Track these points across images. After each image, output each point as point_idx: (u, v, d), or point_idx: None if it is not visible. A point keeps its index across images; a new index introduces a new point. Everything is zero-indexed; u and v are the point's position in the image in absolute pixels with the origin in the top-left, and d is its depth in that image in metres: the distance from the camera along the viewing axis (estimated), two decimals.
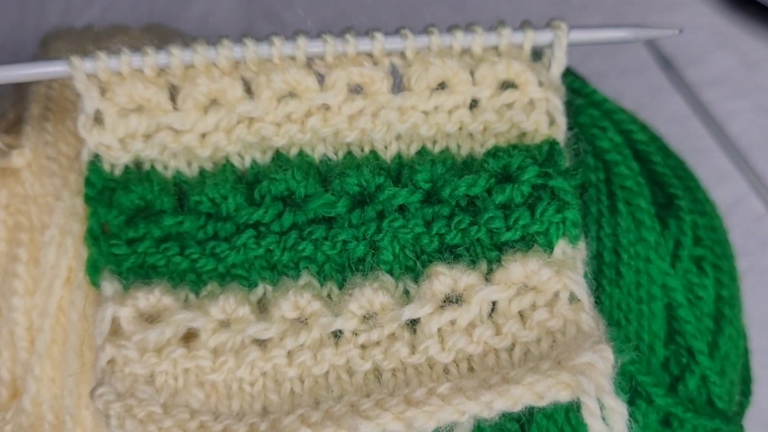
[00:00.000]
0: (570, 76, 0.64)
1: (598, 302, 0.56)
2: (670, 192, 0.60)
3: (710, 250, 0.60)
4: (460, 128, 0.57)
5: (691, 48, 0.98)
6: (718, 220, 0.64)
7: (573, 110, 0.61)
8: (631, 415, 0.55)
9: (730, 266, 0.62)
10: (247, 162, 0.56)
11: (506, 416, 0.52)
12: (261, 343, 0.54)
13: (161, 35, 0.71)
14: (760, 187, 0.90)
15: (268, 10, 0.99)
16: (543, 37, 0.57)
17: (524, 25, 0.57)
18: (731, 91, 0.95)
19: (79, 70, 0.53)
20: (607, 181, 0.59)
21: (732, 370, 0.60)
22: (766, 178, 0.91)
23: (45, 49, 0.66)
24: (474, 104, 0.58)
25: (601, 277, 0.57)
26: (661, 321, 0.57)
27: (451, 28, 0.56)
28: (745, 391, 0.63)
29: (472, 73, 0.56)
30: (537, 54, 0.58)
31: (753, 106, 0.95)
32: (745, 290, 0.64)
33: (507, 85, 0.57)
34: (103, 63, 0.53)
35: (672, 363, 0.57)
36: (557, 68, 0.57)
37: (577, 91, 0.62)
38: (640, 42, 0.60)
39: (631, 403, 0.55)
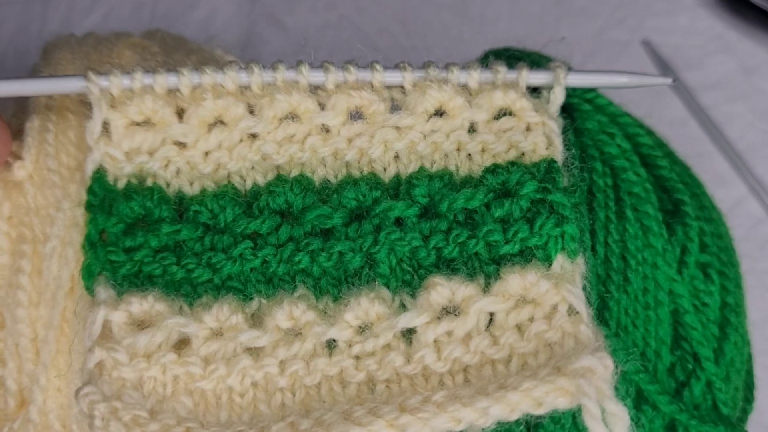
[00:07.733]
0: None
1: (606, 308, 0.56)
2: (677, 198, 0.60)
3: (716, 257, 0.60)
4: (458, 149, 0.58)
5: (690, 52, 0.98)
6: (724, 228, 0.64)
7: (579, 115, 0.61)
8: (637, 420, 0.55)
9: (735, 274, 0.62)
10: (249, 185, 0.57)
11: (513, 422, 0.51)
12: (253, 352, 0.54)
13: (162, 41, 0.71)
14: (759, 190, 0.90)
15: (270, 15, 0.99)
16: (539, 78, 0.58)
17: (519, 67, 0.58)
18: (730, 95, 0.96)
19: (95, 86, 0.55)
20: (614, 187, 0.59)
21: (737, 377, 0.60)
22: (765, 181, 0.91)
23: (47, 58, 0.66)
24: (472, 129, 0.58)
25: (609, 282, 0.57)
26: (667, 327, 0.57)
27: (448, 65, 0.58)
28: (749, 397, 0.63)
29: (468, 103, 0.57)
30: (535, 91, 0.59)
31: (752, 109, 0.95)
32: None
33: (504, 112, 0.58)
34: (117, 80, 0.55)
35: (678, 368, 0.57)
36: (556, 102, 0.58)
37: (582, 95, 0.62)
38: (637, 87, 0.62)
39: (637, 408, 0.56)
